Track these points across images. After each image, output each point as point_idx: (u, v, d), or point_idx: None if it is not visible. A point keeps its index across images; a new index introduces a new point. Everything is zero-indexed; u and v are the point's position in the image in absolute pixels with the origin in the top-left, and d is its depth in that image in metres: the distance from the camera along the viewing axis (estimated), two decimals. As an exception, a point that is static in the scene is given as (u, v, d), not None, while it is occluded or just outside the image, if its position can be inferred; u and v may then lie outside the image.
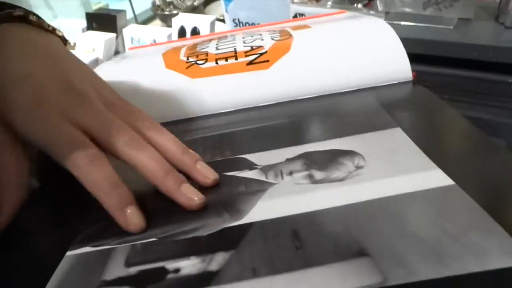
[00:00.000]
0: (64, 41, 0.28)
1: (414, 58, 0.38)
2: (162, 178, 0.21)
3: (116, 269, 0.18)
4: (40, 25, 0.26)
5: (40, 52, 0.24)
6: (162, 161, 0.22)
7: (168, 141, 0.24)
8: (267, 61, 0.34)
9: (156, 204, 0.22)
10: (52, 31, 0.28)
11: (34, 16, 0.26)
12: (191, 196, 0.21)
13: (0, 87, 0.22)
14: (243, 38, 0.38)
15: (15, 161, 0.23)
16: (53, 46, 0.26)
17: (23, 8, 0.26)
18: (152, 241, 0.19)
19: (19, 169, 0.23)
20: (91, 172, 0.20)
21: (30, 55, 0.24)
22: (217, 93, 0.33)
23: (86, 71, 0.26)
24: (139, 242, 0.19)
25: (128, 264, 0.18)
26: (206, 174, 0.23)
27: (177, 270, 0.17)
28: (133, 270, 0.17)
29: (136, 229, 0.20)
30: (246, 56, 0.34)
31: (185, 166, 0.23)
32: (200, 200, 0.21)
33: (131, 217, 0.20)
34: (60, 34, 0.28)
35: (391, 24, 0.35)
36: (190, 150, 0.24)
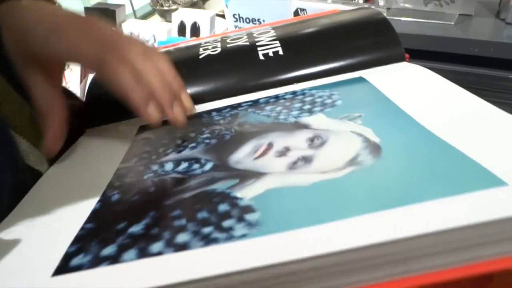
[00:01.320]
0: None
1: (415, 53, 0.38)
2: (160, 89, 0.25)
3: None
4: None
5: (50, 10, 0.27)
6: (160, 73, 0.26)
7: (163, 64, 0.27)
8: None
9: None
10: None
11: None
12: (177, 117, 0.26)
13: (28, 30, 0.25)
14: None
15: (50, 90, 0.26)
16: (60, 7, 0.29)
17: None
18: None
19: (55, 96, 0.26)
20: (119, 71, 0.24)
21: (43, 13, 0.27)
22: None
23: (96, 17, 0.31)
24: None
25: None
26: (188, 102, 0.28)
27: None
28: None
29: (155, 122, 0.24)
30: None
31: (174, 90, 0.26)
32: (183, 124, 0.26)
33: (153, 112, 0.24)
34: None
35: (392, 20, 0.35)
36: (179, 78, 0.27)
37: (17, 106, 0.27)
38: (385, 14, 0.49)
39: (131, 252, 0.17)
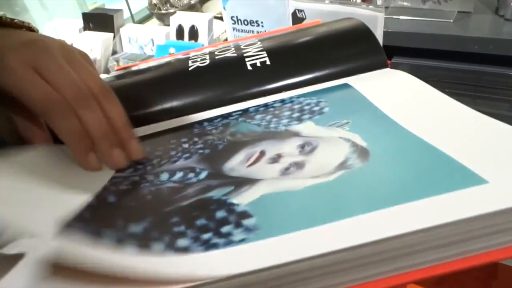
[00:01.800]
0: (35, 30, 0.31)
1: (414, 52, 0.38)
2: (100, 138, 0.25)
3: None
4: (10, 23, 0.29)
5: (11, 34, 0.27)
6: (104, 124, 0.25)
7: (114, 111, 0.27)
8: None
9: None
10: (25, 26, 0.29)
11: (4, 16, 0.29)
12: (119, 161, 0.26)
13: None
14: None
15: (27, 118, 0.27)
16: (22, 32, 0.29)
17: None
18: None
19: (33, 124, 0.27)
20: (63, 124, 0.24)
21: (2, 35, 0.26)
22: None
23: (52, 37, 0.29)
24: None
25: None
26: (136, 150, 0.27)
27: None
28: None
29: (94, 170, 0.25)
30: None
31: (121, 138, 0.26)
32: (126, 166, 0.26)
33: (91, 161, 0.25)
34: (33, 28, 0.30)
35: (391, 19, 0.35)
36: (130, 126, 0.27)
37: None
38: (383, 13, 0.49)
39: (132, 248, 0.17)
